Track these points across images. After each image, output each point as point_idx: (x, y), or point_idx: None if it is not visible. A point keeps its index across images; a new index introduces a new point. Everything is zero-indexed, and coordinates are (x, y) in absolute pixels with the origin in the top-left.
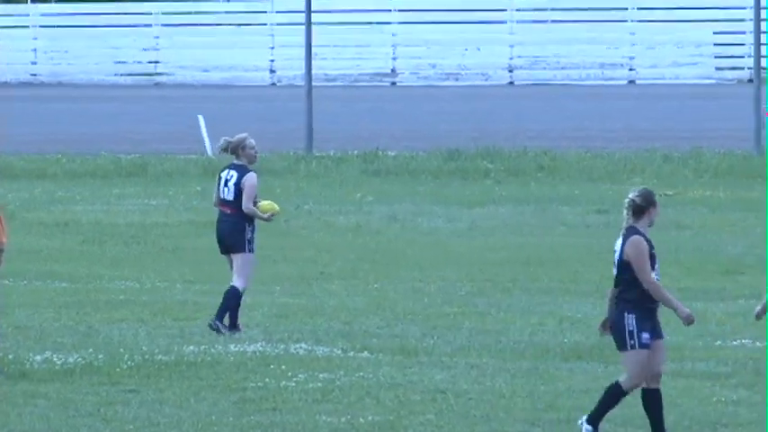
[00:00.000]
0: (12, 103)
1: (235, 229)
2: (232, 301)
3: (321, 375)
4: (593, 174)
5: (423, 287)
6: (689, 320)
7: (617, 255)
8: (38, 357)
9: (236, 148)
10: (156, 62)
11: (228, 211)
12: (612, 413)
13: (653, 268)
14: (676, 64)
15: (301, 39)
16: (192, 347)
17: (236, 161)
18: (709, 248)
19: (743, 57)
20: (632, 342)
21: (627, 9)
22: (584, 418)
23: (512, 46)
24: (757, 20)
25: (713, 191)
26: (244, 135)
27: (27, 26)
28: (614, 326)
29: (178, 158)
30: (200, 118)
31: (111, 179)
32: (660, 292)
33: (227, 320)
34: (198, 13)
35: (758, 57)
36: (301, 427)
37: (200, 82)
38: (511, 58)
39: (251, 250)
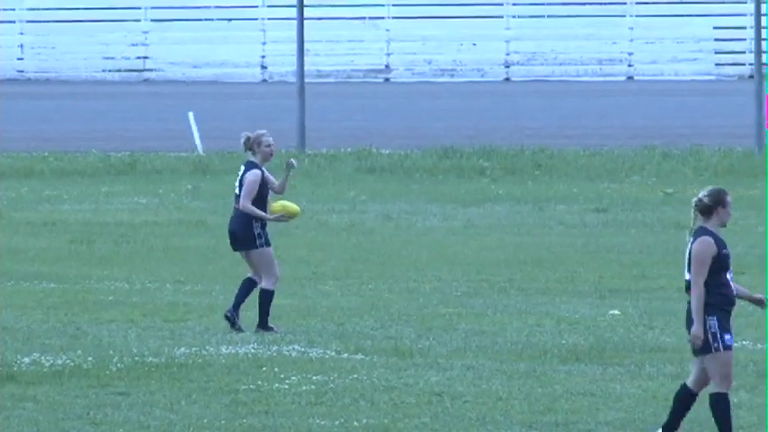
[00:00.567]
0: None
1: (242, 225)
2: (266, 303)
3: (314, 377)
4: (590, 172)
5: (418, 287)
6: (695, 341)
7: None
8: (26, 359)
9: (252, 145)
10: (146, 58)
11: (236, 206)
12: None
13: (727, 268)
14: (676, 60)
15: (293, 34)
16: (182, 349)
17: (251, 158)
18: None
19: (743, 52)
20: (716, 345)
21: (626, 4)
22: None
23: (508, 41)
24: (758, 14)
25: None
26: (262, 131)
27: (13, 21)
28: (688, 329)
29: (168, 156)
30: (191, 115)
31: (99, 177)
32: (697, 300)
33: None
34: (188, 8)
35: (759, 52)
36: (294, 430)
37: (190, 78)
38: (507, 54)
39: (263, 245)
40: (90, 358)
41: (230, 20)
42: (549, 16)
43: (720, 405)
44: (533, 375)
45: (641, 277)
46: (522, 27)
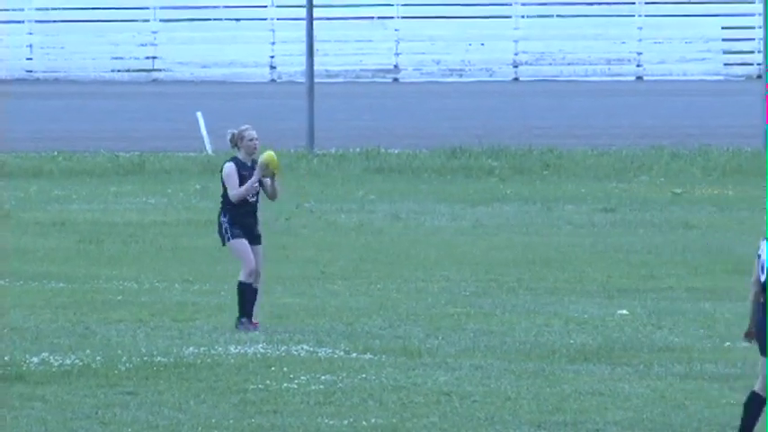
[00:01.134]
0: (6, 99)
1: (217, 222)
2: (238, 294)
3: (323, 377)
4: (599, 172)
5: (426, 287)
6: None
7: (763, 259)
8: (34, 359)
9: (236, 140)
10: (154, 58)
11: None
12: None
13: None
14: (684, 60)
15: (302, 34)
16: (191, 349)
17: (237, 153)
18: (718, 248)
19: (752, 52)
20: None
21: (634, 3)
22: None
23: (516, 41)
24: (766, 14)
25: (721, 189)
26: (245, 126)
27: (22, 21)
28: (760, 330)
29: (177, 156)
30: (199, 115)
31: (108, 177)
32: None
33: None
34: (197, 8)
35: (767, 52)
36: (303, 430)
37: (198, 78)
38: (516, 54)
39: (230, 238)
40: (98, 358)
41: (239, 20)
42: (557, 16)
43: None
44: (542, 375)
45: (649, 277)
46: (530, 27)
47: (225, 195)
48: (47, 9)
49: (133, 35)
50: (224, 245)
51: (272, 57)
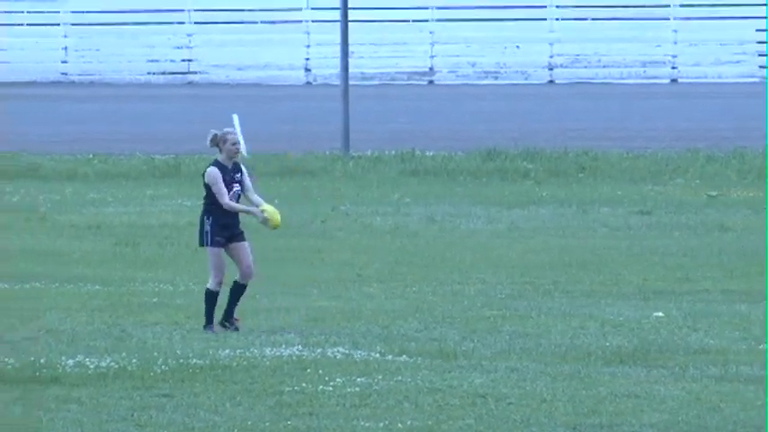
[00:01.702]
0: (42, 102)
1: (199, 221)
2: (206, 302)
3: (359, 380)
4: (635, 174)
5: (462, 290)
6: None
7: None
8: (70, 361)
9: (218, 142)
10: (190, 60)
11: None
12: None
13: None
14: (719, 62)
15: (337, 36)
16: (227, 351)
17: (218, 156)
18: (753, 250)
19: None
20: None
21: (669, 6)
22: None
23: (552, 44)
24: None
25: (757, 192)
26: (228, 129)
27: (57, 24)
28: None
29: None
30: (235, 117)
31: (144, 180)
32: None
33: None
34: (232, 11)
35: None
36: None
37: (234, 81)
38: (551, 57)
39: (209, 243)
40: (134, 360)
41: (274, 22)
42: (592, 19)
43: None
44: (577, 377)
45: (685, 279)
46: (565, 30)
47: (208, 197)
48: (82, 12)
49: (168, 38)
50: (201, 245)
51: (308, 59)
